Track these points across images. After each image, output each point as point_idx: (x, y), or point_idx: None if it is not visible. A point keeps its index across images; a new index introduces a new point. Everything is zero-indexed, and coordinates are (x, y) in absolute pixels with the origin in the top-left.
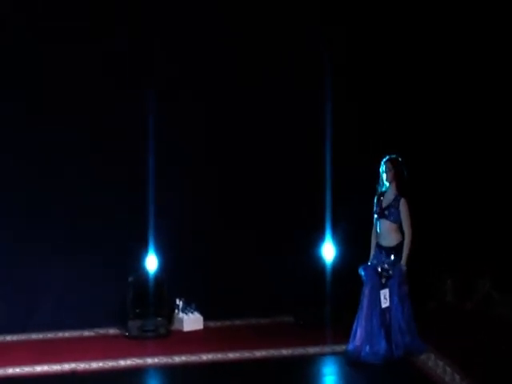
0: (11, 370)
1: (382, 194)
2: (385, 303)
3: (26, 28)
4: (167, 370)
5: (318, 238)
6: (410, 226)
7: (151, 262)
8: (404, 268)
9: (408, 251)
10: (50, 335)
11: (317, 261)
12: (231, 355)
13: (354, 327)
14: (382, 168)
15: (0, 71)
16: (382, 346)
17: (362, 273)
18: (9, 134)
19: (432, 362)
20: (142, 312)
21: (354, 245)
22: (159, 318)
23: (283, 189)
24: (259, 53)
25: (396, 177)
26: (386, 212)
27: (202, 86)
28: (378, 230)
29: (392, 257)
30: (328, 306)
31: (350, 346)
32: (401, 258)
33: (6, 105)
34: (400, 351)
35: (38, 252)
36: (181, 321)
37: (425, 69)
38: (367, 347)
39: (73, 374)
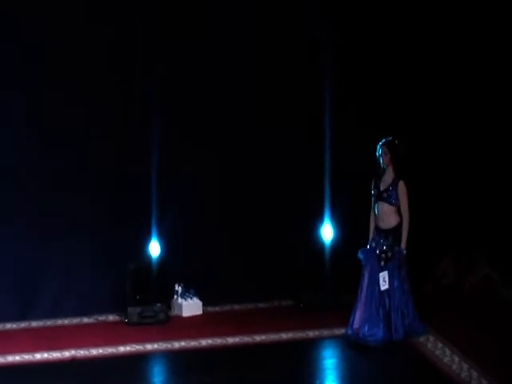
0: (11, 358)
1: (380, 176)
2: (384, 286)
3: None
4: (167, 356)
5: (317, 221)
6: (407, 209)
7: (153, 249)
8: (404, 251)
9: (407, 234)
10: (49, 322)
11: (316, 243)
12: (230, 340)
13: (353, 310)
14: (379, 151)
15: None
16: (381, 328)
17: (361, 256)
18: (14, 122)
19: (431, 343)
20: (142, 298)
21: (354, 227)
22: (158, 304)
23: (282, 172)
24: (257, 40)
25: (393, 160)
26: (385, 195)
27: (206, 79)
28: (377, 213)
29: (390, 239)
30: (327, 289)
31: (349, 330)
32: (399, 241)
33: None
34: (399, 334)
35: (37, 239)
36: (180, 306)
37: (426, 53)
38: (366, 330)
39: (73, 361)
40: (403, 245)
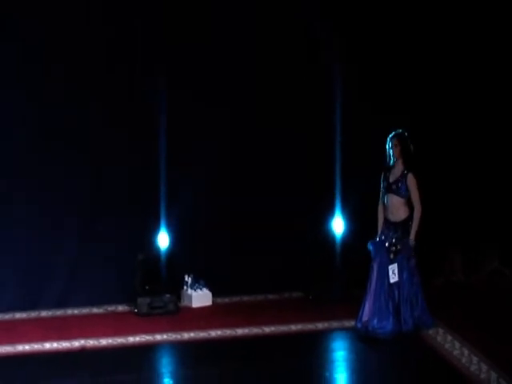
0: (21, 347)
1: (390, 169)
2: (393, 278)
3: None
4: (176, 347)
5: (328, 213)
6: (419, 201)
7: (162, 239)
8: (413, 243)
9: (417, 226)
10: (59, 312)
11: (327, 236)
12: (240, 331)
13: (362, 303)
14: (389, 144)
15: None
16: (390, 321)
17: (371, 248)
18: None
19: (441, 336)
20: (151, 289)
21: (364, 220)
22: (168, 295)
23: (293, 164)
24: (260, 35)
25: (403, 152)
26: (394, 187)
27: (216, 70)
28: (386, 206)
29: (400, 232)
30: (337, 280)
31: (359, 323)
32: (409, 233)
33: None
34: (409, 325)
35: (47, 229)
36: (189, 297)
37: (436, 44)
38: (375, 322)
39: (82, 351)
40: (412, 236)
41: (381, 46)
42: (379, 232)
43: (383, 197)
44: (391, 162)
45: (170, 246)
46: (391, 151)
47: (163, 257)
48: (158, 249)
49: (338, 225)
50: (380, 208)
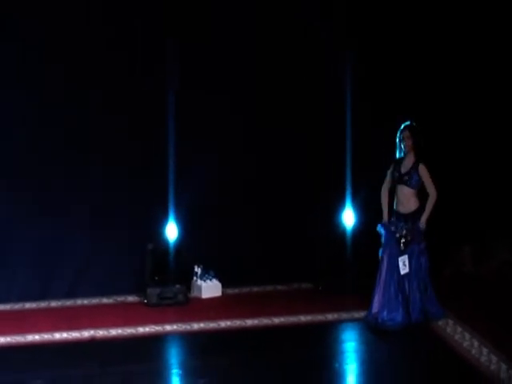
0: (31, 337)
1: (400, 160)
2: (404, 270)
3: None
4: (186, 337)
5: (338, 204)
6: (434, 187)
7: (171, 230)
8: (423, 226)
9: (430, 211)
10: (69, 302)
11: (337, 226)
12: (249, 322)
13: (372, 295)
14: (400, 136)
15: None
16: (400, 312)
17: (381, 230)
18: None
19: (450, 328)
20: (161, 279)
21: (375, 211)
22: (178, 286)
23: (304, 155)
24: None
25: (415, 145)
26: (405, 178)
27: (228, 50)
28: (396, 197)
29: (410, 223)
30: (347, 272)
31: (369, 315)
32: (419, 224)
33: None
34: (418, 314)
35: (57, 220)
36: (199, 288)
37: (444, 37)
38: (385, 314)
39: (92, 341)
40: (424, 219)
41: (389, 40)
42: (385, 215)
43: (388, 185)
44: (402, 153)
45: (179, 236)
46: (402, 143)
47: (173, 247)
48: (167, 239)
49: (348, 217)
50: (384, 191)
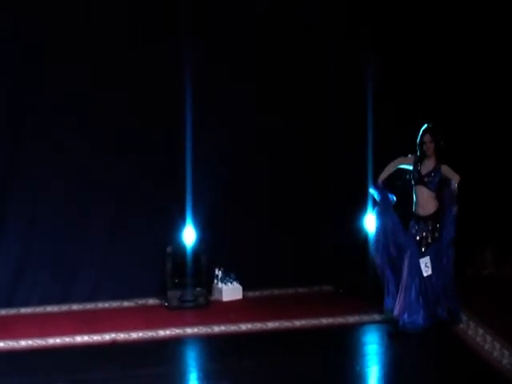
0: (52, 340)
1: (421, 162)
2: (426, 271)
3: None
4: (206, 340)
5: (360, 207)
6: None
7: (189, 235)
8: (455, 186)
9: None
10: (90, 306)
11: (357, 229)
12: (270, 325)
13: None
14: (422, 139)
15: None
16: (421, 315)
17: (374, 192)
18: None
19: (472, 330)
20: (181, 282)
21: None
22: (198, 289)
23: (324, 158)
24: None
25: (436, 149)
26: (426, 179)
27: (247, 47)
28: (415, 199)
29: (430, 225)
30: (368, 274)
31: (396, 312)
32: (439, 226)
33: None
34: (440, 314)
35: (78, 224)
36: (220, 291)
37: (463, 41)
38: (405, 317)
39: (113, 344)
40: (455, 179)
41: (411, 41)
42: (382, 177)
43: (394, 167)
44: (422, 154)
45: (199, 239)
46: (424, 146)
47: (193, 250)
48: (187, 242)
49: (370, 220)
50: (392, 164)
